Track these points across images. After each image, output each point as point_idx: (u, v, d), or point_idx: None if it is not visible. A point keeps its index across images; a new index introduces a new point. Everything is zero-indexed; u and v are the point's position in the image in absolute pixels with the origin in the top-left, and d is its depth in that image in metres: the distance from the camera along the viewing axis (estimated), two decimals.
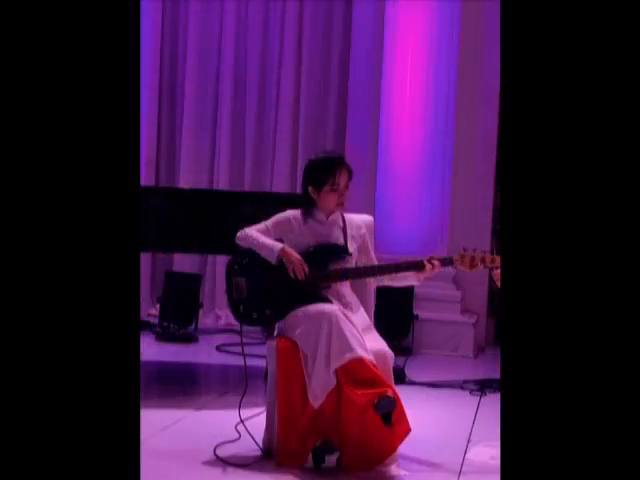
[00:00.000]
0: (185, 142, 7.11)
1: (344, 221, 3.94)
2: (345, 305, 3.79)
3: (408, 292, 6.14)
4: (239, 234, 3.85)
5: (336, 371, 3.54)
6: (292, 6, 6.90)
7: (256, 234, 3.82)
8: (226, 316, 6.87)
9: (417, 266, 3.83)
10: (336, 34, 6.93)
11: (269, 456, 3.70)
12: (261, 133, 7.08)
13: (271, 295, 3.84)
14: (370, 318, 3.97)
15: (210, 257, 7.07)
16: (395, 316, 6.15)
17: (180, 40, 7.16)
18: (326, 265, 3.83)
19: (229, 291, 3.87)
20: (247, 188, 6.99)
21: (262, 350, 4.35)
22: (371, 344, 3.66)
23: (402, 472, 3.63)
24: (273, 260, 3.77)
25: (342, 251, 3.86)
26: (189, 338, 6.31)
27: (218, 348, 6.00)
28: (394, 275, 3.87)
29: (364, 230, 3.99)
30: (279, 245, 3.79)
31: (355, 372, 3.52)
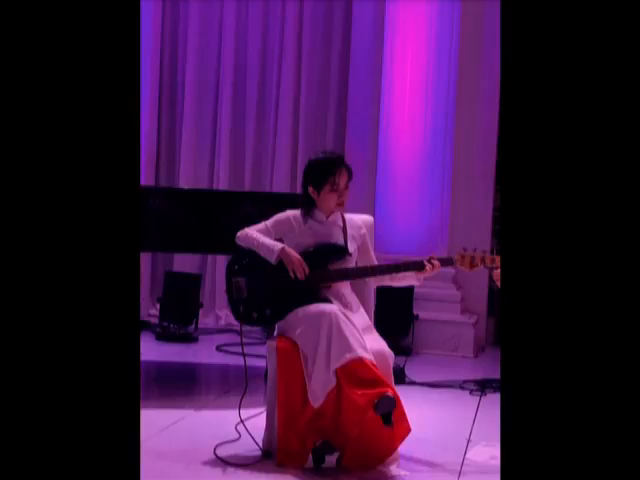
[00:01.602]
0: (185, 142, 7.11)
1: (344, 221, 3.94)
2: (345, 305, 3.79)
3: (408, 292, 6.14)
4: (239, 234, 3.85)
5: (336, 371, 3.54)
6: (292, 6, 6.90)
7: (256, 234, 3.82)
8: (226, 316, 6.88)
9: (417, 266, 3.83)
10: (336, 34, 6.93)
11: (269, 456, 3.70)
12: (261, 133, 7.08)
13: (271, 295, 3.84)
14: (370, 318, 3.97)
15: (210, 257, 7.07)
16: (395, 316, 6.15)
17: (180, 40, 7.16)
18: (326, 265, 3.83)
19: (229, 291, 3.87)
20: (247, 188, 6.99)
21: (262, 350, 4.35)
22: (371, 344, 3.66)
23: (402, 472, 3.63)
24: (272, 260, 3.77)
25: (342, 251, 3.86)
26: (189, 338, 6.31)
27: (218, 348, 6.00)
28: (394, 275, 3.87)
29: (364, 230, 3.99)
30: (279, 245, 3.79)
31: (355, 372, 3.52)
